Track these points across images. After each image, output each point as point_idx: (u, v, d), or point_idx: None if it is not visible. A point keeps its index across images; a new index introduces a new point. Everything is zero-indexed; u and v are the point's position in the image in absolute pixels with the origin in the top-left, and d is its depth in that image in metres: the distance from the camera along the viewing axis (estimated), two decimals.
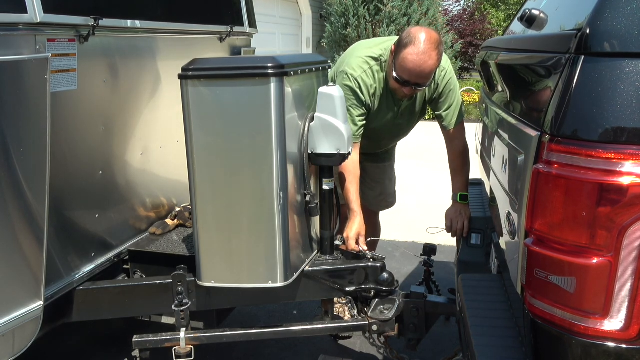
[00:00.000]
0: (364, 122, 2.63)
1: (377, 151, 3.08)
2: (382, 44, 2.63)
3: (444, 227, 2.78)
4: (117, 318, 2.46)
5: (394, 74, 2.46)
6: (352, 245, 2.48)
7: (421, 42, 2.35)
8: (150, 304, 2.39)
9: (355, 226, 2.51)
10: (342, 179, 2.61)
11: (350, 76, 2.56)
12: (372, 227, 3.23)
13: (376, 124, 2.72)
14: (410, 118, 2.82)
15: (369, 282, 2.34)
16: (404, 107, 2.72)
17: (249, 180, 2.06)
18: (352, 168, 2.58)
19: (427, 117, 3.04)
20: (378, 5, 10.67)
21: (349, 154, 2.25)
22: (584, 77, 1.27)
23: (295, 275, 2.20)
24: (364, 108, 2.60)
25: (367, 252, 2.42)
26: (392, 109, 2.69)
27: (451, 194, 2.80)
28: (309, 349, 3.04)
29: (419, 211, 5.25)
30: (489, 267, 2.37)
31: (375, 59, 2.59)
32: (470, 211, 2.71)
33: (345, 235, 2.53)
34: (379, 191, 3.21)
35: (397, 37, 2.56)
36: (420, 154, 7.49)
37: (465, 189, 2.76)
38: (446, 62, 2.65)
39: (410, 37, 2.37)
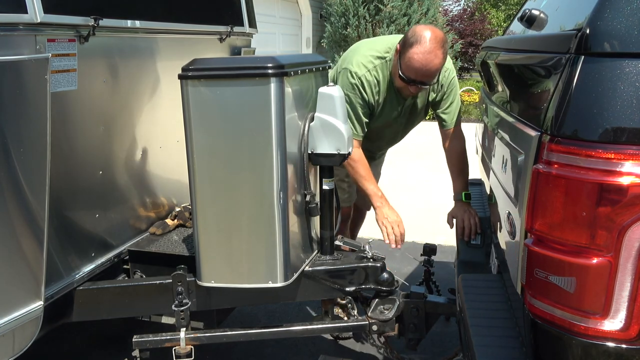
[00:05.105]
0: (368, 120, 2.64)
1: (374, 151, 3.08)
2: (387, 43, 2.63)
3: (453, 229, 2.75)
4: (117, 318, 2.46)
5: (400, 73, 2.47)
6: (395, 231, 2.54)
7: (427, 40, 2.35)
8: (150, 304, 2.39)
9: (393, 212, 2.58)
10: (356, 174, 2.62)
11: (354, 74, 2.56)
12: (362, 220, 3.49)
13: (378, 123, 2.73)
14: (410, 118, 2.83)
15: (369, 282, 2.34)
16: (407, 106, 2.73)
17: (249, 180, 2.06)
18: (362, 160, 2.61)
19: (427, 117, 3.05)
20: (378, 5, 10.66)
21: (349, 153, 2.25)
22: (584, 77, 1.26)
23: (295, 275, 2.20)
24: (367, 107, 2.61)
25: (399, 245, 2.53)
26: (396, 108, 2.70)
27: (453, 194, 2.79)
28: (309, 349, 3.04)
29: (419, 211, 5.24)
30: (489, 267, 2.37)
31: (380, 58, 2.59)
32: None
33: (385, 221, 2.56)
34: None
35: (400, 36, 2.56)
36: (420, 154, 7.48)
37: (468, 188, 2.77)
38: (449, 62, 2.66)
39: (416, 36, 2.37)
